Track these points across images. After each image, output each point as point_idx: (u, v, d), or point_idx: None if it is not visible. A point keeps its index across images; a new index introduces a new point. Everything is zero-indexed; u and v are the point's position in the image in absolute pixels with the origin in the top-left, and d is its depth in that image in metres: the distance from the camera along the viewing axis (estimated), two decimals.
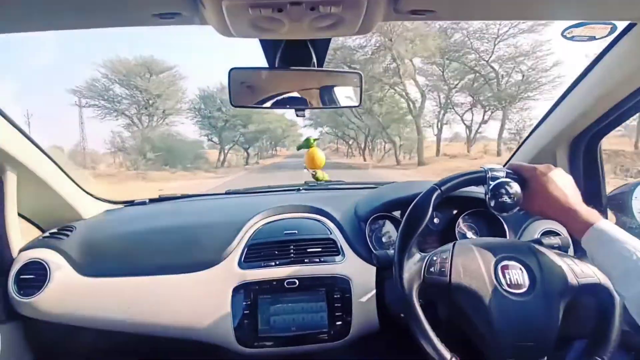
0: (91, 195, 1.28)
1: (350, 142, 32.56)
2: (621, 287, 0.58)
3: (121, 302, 0.96)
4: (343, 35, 0.64)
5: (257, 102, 0.82)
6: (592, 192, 1.06)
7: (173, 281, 0.97)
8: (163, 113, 21.69)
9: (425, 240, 1.08)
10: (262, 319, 0.94)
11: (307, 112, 0.87)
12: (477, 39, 17.86)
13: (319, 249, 1.02)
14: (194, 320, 0.94)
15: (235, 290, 0.95)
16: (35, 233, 1.14)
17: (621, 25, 0.75)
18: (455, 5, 0.60)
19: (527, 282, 0.65)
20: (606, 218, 1.04)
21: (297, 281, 0.96)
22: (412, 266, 0.70)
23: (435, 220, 1.10)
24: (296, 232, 1.06)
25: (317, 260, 1.00)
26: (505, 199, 0.68)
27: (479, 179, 0.72)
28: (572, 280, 0.64)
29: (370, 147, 28.69)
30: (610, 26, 0.74)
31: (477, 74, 19.01)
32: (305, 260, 0.99)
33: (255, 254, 1.00)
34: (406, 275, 0.69)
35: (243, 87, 0.80)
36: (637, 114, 0.94)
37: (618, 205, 1.02)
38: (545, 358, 0.64)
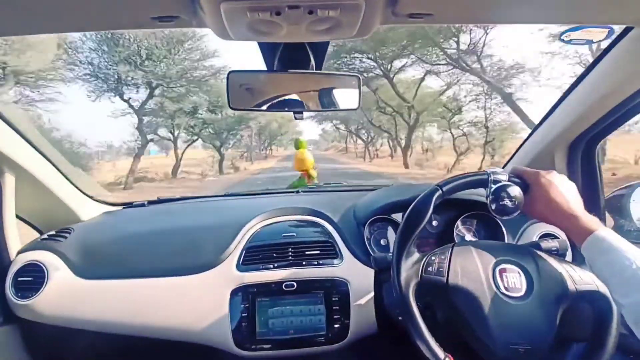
0: (89, 196, 1.27)
1: (367, 139, 26.94)
2: (619, 295, 0.58)
3: (119, 305, 0.95)
4: (341, 38, 0.64)
5: (255, 104, 0.82)
6: (590, 195, 1.06)
7: (171, 284, 0.97)
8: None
9: (423, 243, 1.08)
10: (260, 322, 0.94)
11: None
12: None
13: (317, 252, 1.01)
14: (192, 323, 0.94)
15: (234, 293, 0.95)
16: (33, 235, 1.14)
17: (618, 29, 0.75)
18: (453, 8, 0.61)
19: (524, 287, 0.65)
20: (604, 221, 1.04)
21: (295, 284, 0.96)
22: (410, 265, 0.70)
23: (434, 223, 1.10)
24: (294, 234, 1.06)
25: (315, 263, 1.00)
26: (507, 202, 0.68)
27: (481, 181, 0.72)
28: (570, 286, 0.64)
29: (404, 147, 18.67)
30: (607, 30, 0.74)
31: None
32: (304, 263, 0.99)
33: (254, 256, 1.00)
34: (404, 273, 0.69)
35: (241, 90, 0.80)
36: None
37: (616, 208, 1.02)
38: None
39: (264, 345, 0.93)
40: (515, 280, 0.66)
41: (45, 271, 0.96)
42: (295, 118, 0.83)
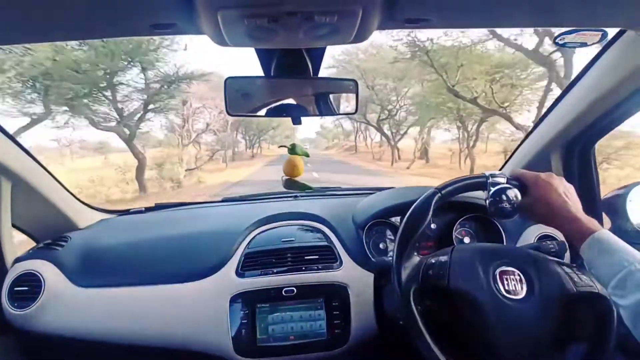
0: (86, 204, 1.27)
1: (393, 135, 18.08)
2: (617, 296, 0.59)
3: (117, 313, 0.95)
4: (339, 43, 0.65)
5: (253, 110, 0.82)
6: (587, 196, 1.07)
7: (170, 291, 0.96)
8: None
9: (422, 246, 1.08)
10: (261, 328, 0.93)
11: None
12: None
13: (317, 257, 1.01)
14: (192, 330, 0.93)
15: (233, 299, 0.94)
16: (30, 244, 1.13)
17: (612, 32, 0.76)
18: (450, 13, 0.61)
19: (525, 289, 0.65)
20: (601, 221, 1.05)
21: (295, 289, 0.95)
22: (410, 268, 0.70)
23: (432, 226, 1.10)
24: (293, 239, 1.05)
25: (315, 267, 0.99)
26: (506, 205, 0.68)
27: (480, 184, 0.72)
28: (570, 288, 0.65)
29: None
30: (601, 33, 0.75)
31: None
32: (303, 268, 0.99)
33: (253, 262, 1.00)
34: (404, 277, 0.69)
35: (239, 96, 0.80)
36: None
37: (613, 208, 1.03)
38: None
39: (264, 351, 0.92)
40: (515, 283, 0.66)
41: (42, 280, 0.95)
42: (294, 124, 0.83)
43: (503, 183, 0.70)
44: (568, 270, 0.68)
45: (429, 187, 0.75)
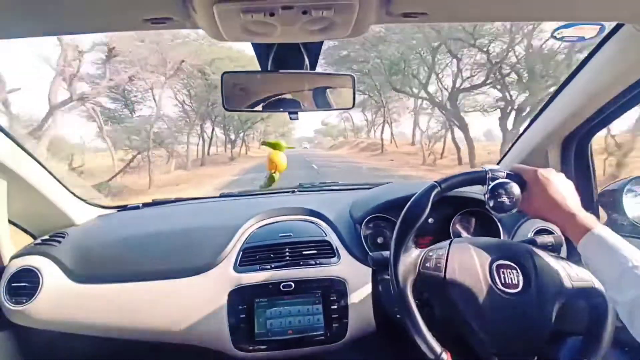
0: (83, 200, 1.26)
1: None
2: (614, 292, 0.59)
3: (115, 309, 0.95)
4: (336, 38, 0.64)
5: (250, 105, 0.82)
6: (584, 190, 1.07)
7: (168, 286, 0.96)
8: None
9: (420, 240, 1.08)
10: (259, 323, 0.93)
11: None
12: None
13: (315, 251, 1.02)
14: (190, 325, 0.94)
15: (231, 294, 0.95)
16: (27, 240, 1.13)
17: (610, 26, 0.76)
18: (447, 7, 0.61)
19: (521, 283, 0.66)
20: (597, 215, 1.05)
21: (293, 284, 0.96)
22: (408, 261, 0.71)
23: (430, 220, 1.10)
24: (291, 234, 1.06)
25: (313, 262, 1.00)
26: (504, 199, 0.69)
27: (479, 178, 0.72)
28: (566, 283, 0.65)
29: None
30: (599, 27, 0.75)
31: None
32: (301, 263, 0.99)
33: (251, 257, 1.00)
34: (401, 269, 0.69)
35: (236, 91, 0.80)
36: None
37: (609, 202, 1.04)
38: (536, 357, 0.65)
39: (262, 345, 0.93)
40: (512, 277, 0.67)
41: (40, 276, 0.95)
42: (291, 118, 0.83)
43: (502, 178, 0.70)
44: (564, 264, 0.68)
45: (427, 183, 0.75)
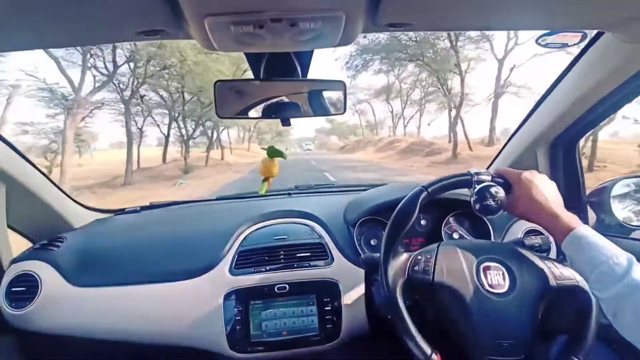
0: (81, 204, 1.28)
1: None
2: (597, 289, 0.61)
3: (114, 312, 0.96)
4: (324, 47, 0.66)
5: (243, 112, 0.84)
6: (572, 191, 1.10)
7: (165, 289, 0.98)
8: None
9: (412, 242, 1.10)
10: (254, 325, 0.95)
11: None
12: None
13: (308, 254, 1.03)
14: (187, 327, 0.95)
15: (227, 296, 0.96)
16: (26, 244, 1.14)
17: (591, 33, 0.78)
18: (432, 18, 0.63)
19: (507, 283, 0.67)
20: (587, 216, 1.07)
21: (287, 286, 0.97)
22: (397, 265, 0.72)
23: (422, 222, 1.12)
24: (286, 237, 1.07)
25: (307, 265, 1.01)
26: (490, 202, 0.70)
27: (465, 182, 0.74)
28: (551, 282, 0.67)
29: None
30: (581, 34, 0.77)
31: None
32: (295, 265, 1.01)
33: (246, 260, 1.02)
34: (391, 272, 0.70)
35: (229, 99, 0.82)
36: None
37: (597, 203, 1.05)
38: (523, 356, 0.66)
39: (258, 347, 0.94)
40: (498, 277, 0.68)
41: (39, 281, 0.97)
42: (283, 125, 0.84)
43: (488, 181, 0.72)
44: (550, 264, 0.69)
45: (420, 184, 0.77)
